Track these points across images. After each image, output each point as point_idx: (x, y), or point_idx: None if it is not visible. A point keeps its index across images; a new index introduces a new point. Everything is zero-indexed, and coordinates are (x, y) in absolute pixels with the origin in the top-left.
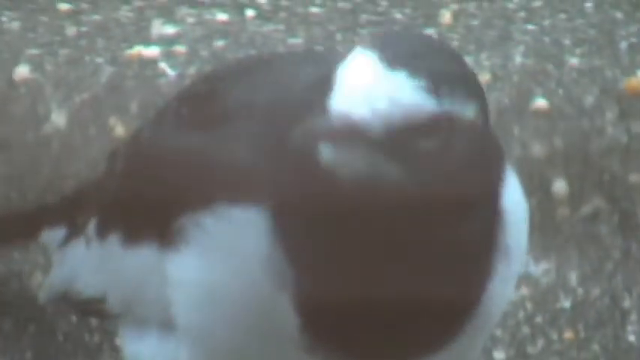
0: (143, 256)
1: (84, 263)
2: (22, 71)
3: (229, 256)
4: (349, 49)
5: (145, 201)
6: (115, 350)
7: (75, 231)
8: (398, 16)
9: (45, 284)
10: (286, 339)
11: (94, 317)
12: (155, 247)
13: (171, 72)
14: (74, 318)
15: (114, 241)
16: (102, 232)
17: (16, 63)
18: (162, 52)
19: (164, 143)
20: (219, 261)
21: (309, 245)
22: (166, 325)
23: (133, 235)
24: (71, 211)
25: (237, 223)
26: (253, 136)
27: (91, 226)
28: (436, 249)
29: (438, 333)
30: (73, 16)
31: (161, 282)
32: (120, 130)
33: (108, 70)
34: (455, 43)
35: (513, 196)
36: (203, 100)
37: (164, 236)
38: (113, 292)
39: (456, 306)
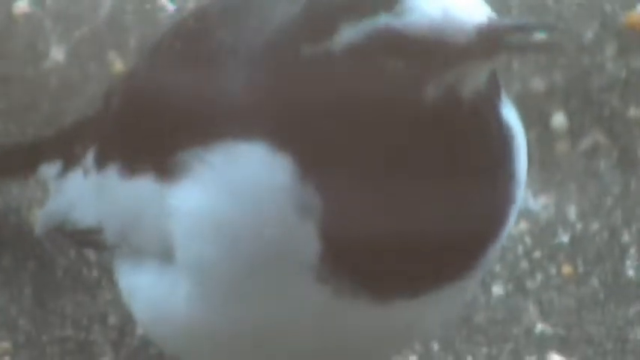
0: (141, 187)
1: (81, 193)
2: (22, 5)
3: (241, 189)
4: None
5: (144, 133)
6: (114, 285)
7: (72, 162)
8: None
9: (41, 215)
10: (301, 270)
11: (90, 248)
12: (154, 179)
13: (170, 6)
14: (73, 253)
15: (112, 171)
16: (100, 163)
17: None
18: None
19: (163, 78)
20: (230, 194)
21: (334, 172)
22: (164, 257)
23: (132, 166)
24: (69, 145)
25: (248, 158)
26: (254, 69)
27: (89, 157)
28: (463, 174)
29: (461, 261)
30: None
31: (160, 213)
32: (119, 64)
33: (107, 5)
34: None
35: (515, 124)
36: (199, 36)
37: (164, 168)
38: (109, 222)
39: (480, 233)
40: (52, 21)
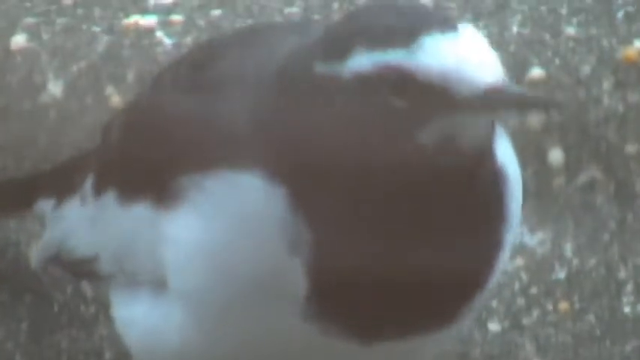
0: (137, 214)
1: (77, 221)
2: (19, 40)
3: (235, 219)
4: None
5: (142, 161)
6: (110, 321)
7: (69, 193)
8: None
9: (38, 247)
10: (288, 305)
11: (85, 279)
12: (150, 207)
13: (168, 41)
14: (70, 289)
15: (108, 198)
16: (97, 191)
17: (12, 32)
18: (159, 21)
19: (163, 107)
20: (223, 223)
21: (327, 210)
22: (159, 287)
23: (129, 193)
24: (66, 179)
25: (243, 187)
26: (255, 101)
27: (87, 186)
28: (453, 220)
29: (448, 309)
30: None
31: (155, 241)
32: (116, 99)
33: (105, 39)
34: (452, 12)
35: (511, 163)
36: (201, 67)
37: (161, 196)
38: (105, 250)
39: (467, 281)
40: (50, 55)
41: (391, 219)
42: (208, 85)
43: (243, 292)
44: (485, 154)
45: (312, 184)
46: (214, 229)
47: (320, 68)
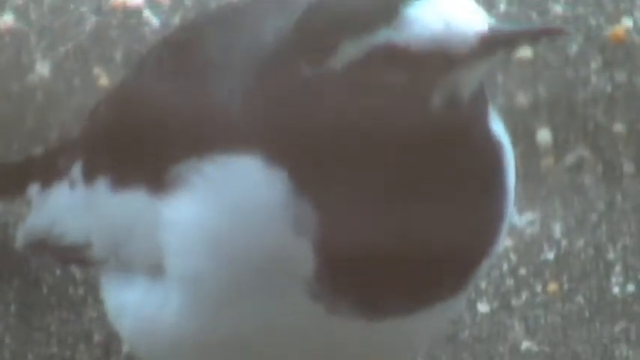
0: (134, 199)
1: (66, 208)
2: (7, 20)
3: (237, 201)
4: None
5: (135, 146)
6: (100, 303)
7: (56, 177)
8: None
9: (22, 229)
10: (294, 285)
11: (74, 264)
12: (147, 191)
13: (155, 21)
14: (58, 271)
15: (102, 184)
16: (88, 176)
17: (0, 12)
18: (147, 1)
19: (155, 90)
20: (226, 206)
21: (332, 188)
22: (155, 271)
23: (123, 179)
24: (53, 164)
25: (244, 170)
26: (252, 83)
27: (76, 170)
28: (461, 189)
29: (454, 279)
30: None
31: (153, 226)
32: (104, 79)
33: (92, 20)
34: None
35: (505, 139)
36: (189, 48)
37: (157, 181)
38: (99, 236)
39: (472, 251)
40: (37, 36)
41: (399, 191)
42: (199, 68)
43: (246, 275)
44: (483, 121)
45: (315, 163)
46: (217, 213)
47: (307, 70)
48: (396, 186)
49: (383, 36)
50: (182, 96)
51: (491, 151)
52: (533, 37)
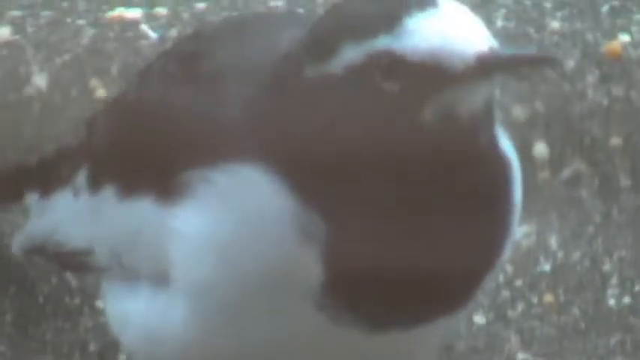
0: (139, 208)
1: (69, 214)
2: (4, 33)
3: (244, 211)
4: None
5: (143, 155)
6: (95, 312)
7: (57, 184)
8: None
9: (20, 234)
10: (301, 295)
11: (74, 270)
12: (153, 200)
13: (152, 34)
14: (54, 280)
15: (107, 193)
16: (94, 184)
17: None
18: (144, 14)
19: (162, 100)
20: (232, 216)
21: (339, 198)
22: (159, 280)
23: (130, 187)
24: (54, 172)
25: (252, 180)
26: (255, 95)
27: (81, 178)
28: (463, 202)
29: (458, 294)
30: None
31: (159, 235)
32: (101, 92)
33: (89, 32)
34: None
35: (511, 154)
36: (197, 58)
37: (164, 190)
38: (103, 243)
39: (476, 266)
40: (34, 48)
41: (402, 202)
42: (207, 77)
43: (253, 285)
44: (489, 135)
45: (322, 174)
46: (223, 223)
47: (310, 71)
48: (398, 196)
49: (382, 42)
50: (190, 105)
51: (496, 167)
52: (531, 63)
